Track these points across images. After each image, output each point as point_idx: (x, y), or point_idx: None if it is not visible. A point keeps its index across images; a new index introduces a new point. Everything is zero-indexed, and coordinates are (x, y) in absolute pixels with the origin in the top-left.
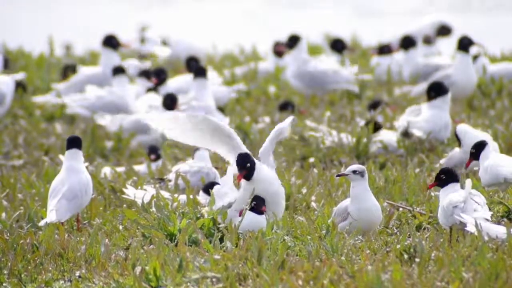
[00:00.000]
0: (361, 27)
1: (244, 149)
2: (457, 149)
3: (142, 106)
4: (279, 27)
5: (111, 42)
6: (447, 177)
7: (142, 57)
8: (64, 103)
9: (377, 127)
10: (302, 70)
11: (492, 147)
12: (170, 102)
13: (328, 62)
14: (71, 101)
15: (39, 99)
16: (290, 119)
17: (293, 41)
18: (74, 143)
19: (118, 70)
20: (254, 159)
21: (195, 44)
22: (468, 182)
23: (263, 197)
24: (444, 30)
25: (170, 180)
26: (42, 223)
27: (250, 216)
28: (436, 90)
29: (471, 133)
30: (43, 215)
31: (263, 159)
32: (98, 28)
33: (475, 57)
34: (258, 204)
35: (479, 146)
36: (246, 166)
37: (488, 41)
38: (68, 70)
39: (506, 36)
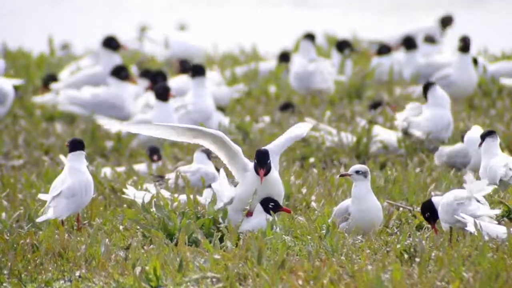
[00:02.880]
0: (360, 26)
1: (237, 147)
2: (457, 145)
3: (141, 105)
4: (279, 27)
5: (111, 43)
6: (431, 213)
7: (140, 62)
8: (57, 100)
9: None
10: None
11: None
12: (163, 92)
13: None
14: (64, 97)
15: (38, 99)
16: (309, 127)
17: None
18: (77, 146)
19: (118, 71)
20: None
21: (194, 44)
22: (468, 176)
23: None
24: (446, 20)
25: (169, 179)
26: (40, 219)
27: (258, 217)
28: (424, 88)
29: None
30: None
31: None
32: (98, 28)
33: (476, 61)
34: (276, 206)
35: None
36: (267, 162)
37: (488, 41)
38: (48, 80)
39: (506, 34)
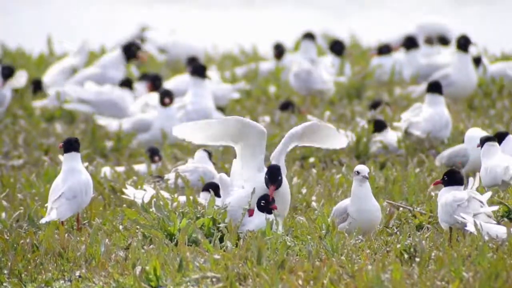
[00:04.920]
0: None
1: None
2: (458, 147)
3: (141, 106)
4: (279, 27)
5: (129, 51)
6: (452, 178)
7: (140, 64)
8: (64, 98)
9: (382, 126)
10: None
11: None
12: (166, 98)
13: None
14: (71, 91)
15: (38, 103)
16: (307, 123)
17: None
18: (72, 145)
19: (125, 84)
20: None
21: (193, 45)
22: (471, 181)
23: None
24: (443, 40)
25: (169, 179)
26: (43, 221)
27: (260, 217)
28: (431, 88)
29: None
30: (43, 214)
31: (275, 161)
32: (98, 28)
33: (478, 60)
34: (268, 203)
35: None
36: (278, 179)
37: (488, 40)
38: (35, 88)
39: (506, 34)
